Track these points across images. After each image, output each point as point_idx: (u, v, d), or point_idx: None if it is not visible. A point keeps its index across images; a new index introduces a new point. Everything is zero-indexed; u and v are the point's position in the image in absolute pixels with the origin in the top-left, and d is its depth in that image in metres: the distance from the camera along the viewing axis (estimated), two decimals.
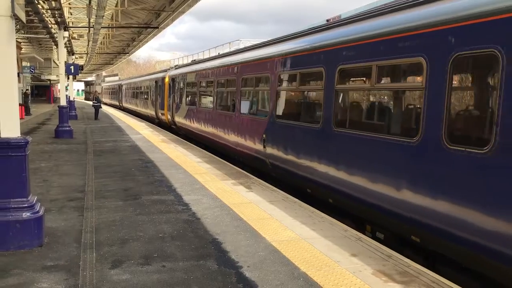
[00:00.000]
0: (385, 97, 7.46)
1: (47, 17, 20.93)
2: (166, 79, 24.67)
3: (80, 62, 45.54)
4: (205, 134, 16.61)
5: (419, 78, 6.15)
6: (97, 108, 31.12)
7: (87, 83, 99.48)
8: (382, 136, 6.70)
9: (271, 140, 10.54)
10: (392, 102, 7.25)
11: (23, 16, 6.74)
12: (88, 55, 41.30)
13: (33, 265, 5.18)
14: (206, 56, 22.74)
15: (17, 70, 6.17)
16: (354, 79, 8.44)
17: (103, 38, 36.01)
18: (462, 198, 5.17)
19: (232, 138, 13.34)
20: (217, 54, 19.83)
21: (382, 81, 7.20)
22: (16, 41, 6.65)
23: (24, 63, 35.63)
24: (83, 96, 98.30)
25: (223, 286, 4.67)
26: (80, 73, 39.14)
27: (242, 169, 11.87)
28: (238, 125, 12.92)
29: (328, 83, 8.18)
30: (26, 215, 5.67)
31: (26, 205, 5.71)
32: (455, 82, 5.60)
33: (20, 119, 6.58)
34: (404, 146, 6.12)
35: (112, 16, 27.21)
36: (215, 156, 13.91)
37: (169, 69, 26.40)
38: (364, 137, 7.04)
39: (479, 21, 5.05)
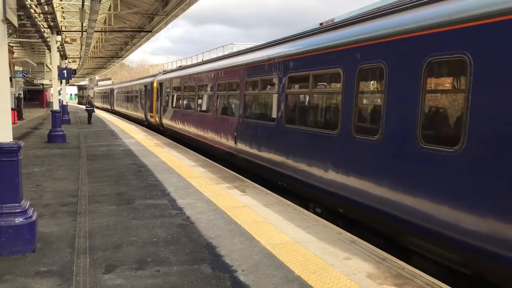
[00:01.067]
0: (318, 100, 9.20)
1: (39, 21, 20.88)
2: (154, 84, 26.36)
3: (73, 66, 45.37)
4: (188, 133, 18.44)
5: (338, 85, 7.97)
6: (90, 113, 31.00)
7: (80, 87, 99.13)
8: (316, 130, 8.67)
9: (241, 137, 12.35)
10: (323, 104, 9.05)
11: (15, 21, 6.72)
12: (81, 59, 41.15)
13: (26, 270, 5.14)
14: (200, 59, 22.97)
15: (9, 75, 6.14)
16: (298, 84, 9.96)
17: (96, 42, 35.93)
18: (364, 174, 7.05)
19: (210, 136, 15.18)
20: (202, 60, 21.12)
21: (317, 87, 9.15)
22: (8, 45, 6.63)
23: (16, 68, 35.47)
24: (76, 100, 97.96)
25: None
26: (73, 77, 38.97)
27: (234, 169, 12.58)
28: (215, 125, 14.72)
29: (280, 88, 10.05)
30: (18, 220, 5.63)
31: (18, 210, 5.67)
32: (360, 87, 7.45)
33: (13, 123, 6.55)
34: (330, 137, 8.06)
35: (105, 20, 27.13)
36: (209, 160, 13.90)
37: (157, 74, 27.91)
38: (305, 131, 9.03)
39: (372, 43, 7.11)
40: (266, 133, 10.79)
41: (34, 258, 5.52)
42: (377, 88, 7.16)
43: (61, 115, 21.58)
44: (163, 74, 26.13)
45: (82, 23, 22.58)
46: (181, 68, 23.37)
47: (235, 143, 12.58)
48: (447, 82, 6.23)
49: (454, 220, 5.30)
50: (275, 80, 10.38)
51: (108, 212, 7.68)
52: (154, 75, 29.07)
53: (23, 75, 36.63)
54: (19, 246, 5.61)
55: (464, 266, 5.41)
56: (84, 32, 24.07)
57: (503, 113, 4.82)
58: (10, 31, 23.98)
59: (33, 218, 5.81)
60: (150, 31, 27.81)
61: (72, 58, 41.98)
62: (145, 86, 29.56)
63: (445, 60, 5.72)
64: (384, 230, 6.86)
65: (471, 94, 5.17)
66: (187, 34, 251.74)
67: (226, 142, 13.47)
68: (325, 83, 8.98)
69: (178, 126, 20.12)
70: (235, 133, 12.67)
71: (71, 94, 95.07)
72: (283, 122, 9.88)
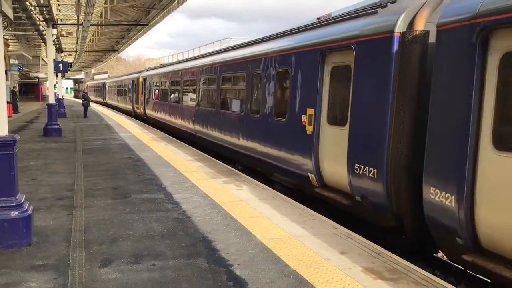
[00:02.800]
0: (238, 93, 13.11)
1: (35, 14, 20.72)
2: (140, 79, 29.94)
3: (69, 59, 45.17)
4: (164, 120, 22.53)
5: (243, 83, 12.28)
6: (86, 106, 30.89)
7: (76, 81, 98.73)
8: (237, 112, 12.62)
9: (197, 120, 16.55)
10: (239, 96, 12.79)
11: (10, 13, 6.68)
12: (77, 53, 40.95)
13: (22, 264, 5.14)
14: (197, 53, 23.83)
15: (4, 68, 6.11)
16: (227, 82, 13.84)
17: (92, 35, 35.75)
18: (273, 144, 10.15)
19: (178, 121, 19.46)
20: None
21: (237, 84, 13.04)
22: (4, 38, 6.60)
23: (12, 61, 35.22)
24: (72, 94, 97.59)
25: (213, 284, 4.67)
26: (69, 70, 38.81)
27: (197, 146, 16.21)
28: (181, 112, 19.00)
29: (218, 84, 14.29)
30: (14, 214, 5.63)
31: (14, 204, 5.67)
32: (254, 86, 11.60)
33: (8, 117, 6.52)
34: (240, 116, 12.23)
35: (101, 14, 26.98)
36: (206, 155, 13.90)
37: (142, 71, 31.81)
38: (231, 114, 13.13)
39: (257, 58, 11.37)
40: (210, 116, 14.97)
41: (29, 252, 5.52)
42: (258, 86, 11.39)
43: (57, 109, 21.50)
44: (147, 71, 29.44)
45: (78, 16, 22.47)
46: (161, 66, 26.89)
47: (194, 125, 16.86)
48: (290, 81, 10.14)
49: (295, 164, 9.17)
50: (216, 79, 14.61)
51: (104, 206, 7.67)
52: (139, 72, 32.76)
53: (18, 68, 36.38)
54: (15, 240, 5.60)
55: (295, 186, 9.60)
56: (80, 26, 23.95)
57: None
58: (6, 23, 23.80)
59: (29, 211, 5.80)
60: (147, 25, 27.70)
61: (68, 51, 41.75)
62: (132, 81, 32.97)
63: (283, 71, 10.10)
64: (264, 171, 10.98)
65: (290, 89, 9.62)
66: (183, 28, 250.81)
67: (188, 125, 17.77)
68: (239, 82, 12.92)
69: (158, 115, 24.04)
70: (193, 118, 16.95)
71: (67, 88, 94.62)
72: (219, 108, 14.06)
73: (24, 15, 19.76)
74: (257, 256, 5.48)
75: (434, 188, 5.61)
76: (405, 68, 6.47)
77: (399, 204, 6.53)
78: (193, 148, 15.33)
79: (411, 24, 6.57)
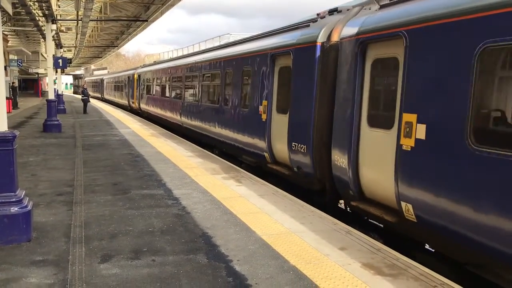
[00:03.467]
0: (215, 89, 15.06)
1: (34, 10, 20.67)
2: (135, 76, 31.73)
3: (69, 55, 45.08)
4: (156, 114, 24.45)
5: (218, 80, 14.33)
6: (85, 102, 30.86)
7: (76, 77, 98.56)
8: (214, 105, 14.65)
9: (183, 113, 18.53)
10: (216, 91, 14.82)
11: (9, 8, 6.65)
12: (77, 48, 40.91)
13: (22, 260, 5.15)
14: (196, 49, 24.07)
15: (4, 63, 6.09)
16: (206, 79, 15.93)
17: (92, 31, 35.68)
18: (240, 131, 11.92)
19: (168, 114, 21.36)
20: (174, 56, 27.41)
21: (214, 81, 14.99)
22: (3, 33, 6.58)
23: (11, 56, 35.14)
24: (72, 90, 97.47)
25: (213, 280, 4.68)
26: (69, 66, 38.77)
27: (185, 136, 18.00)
28: (170, 106, 20.97)
29: (199, 81, 16.53)
30: (14, 209, 5.63)
31: (14, 200, 5.66)
32: (226, 82, 13.59)
33: (8, 112, 6.52)
34: (216, 108, 14.23)
35: (100, 9, 26.95)
36: (206, 151, 13.90)
37: (137, 68, 33.86)
38: (207, 106, 15.30)
39: (229, 59, 13.39)
40: (193, 109, 17.00)
41: (29, 248, 5.52)
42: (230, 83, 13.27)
43: (56, 105, 21.47)
44: (142, 68, 31.36)
45: (77, 12, 22.42)
46: (155, 63, 28.74)
47: (181, 117, 18.84)
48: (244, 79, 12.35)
49: (255, 146, 10.97)
50: (197, 76, 16.76)
51: (103, 202, 7.68)
52: (135, 68, 34.87)
53: (18, 63, 36.34)
54: (15, 236, 5.61)
55: (255, 163, 11.38)
56: (79, 21, 23.92)
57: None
58: (5, 19, 23.75)
59: (29, 207, 5.80)
60: (146, 20, 27.64)
61: (68, 47, 41.70)
62: (128, 77, 35.06)
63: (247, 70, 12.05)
64: (235, 154, 12.75)
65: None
66: (183, 24, 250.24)
67: (176, 117, 19.75)
68: (216, 79, 14.74)
69: (151, 109, 25.95)
70: (180, 111, 18.92)
71: (66, 84, 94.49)
72: (200, 101, 16.19)
73: (23, 10, 19.71)
74: (257, 251, 5.49)
75: (336, 155, 7.75)
76: (324, 69, 8.38)
77: (321, 171, 8.49)
78: (193, 144, 15.33)
79: (329, 36, 8.39)
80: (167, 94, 21.90)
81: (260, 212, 7.20)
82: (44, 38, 24.50)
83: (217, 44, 20.13)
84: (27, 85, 68.15)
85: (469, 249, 5.02)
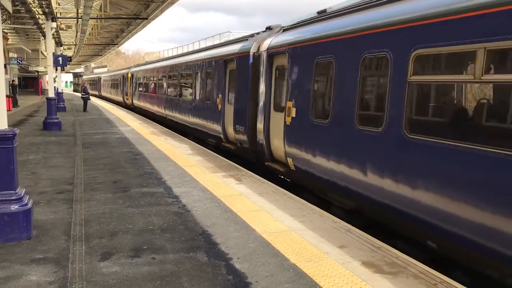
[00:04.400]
0: (189, 86, 18.15)
1: (34, 8, 20.63)
2: (129, 75, 35.10)
3: (69, 53, 44.99)
4: (146, 108, 27.62)
5: (191, 79, 17.56)
6: (85, 100, 30.84)
7: (76, 75, 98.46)
8: (188, 100, 17.62)
9: (166, 107, 21.81)
10: (189, 88, 17.80)
11: (9, 6, 6.65)
12: (77, 46, 40.82)
13: (22, 257, 5.15)
14: (196, 47, 24.91)
15: (3, 61, 6.09)
16: (183, 78, 19.21)
17: (92, 29, 35.58)
18: (205, 119, 15.21)
19: (155, 108, 24.83)
20: (164, 57, 30.95)
21: (189, 79, 18.12)
22: (3, 31, 6.57)
23: (11, 54, 35.11)
24: (72, 88, 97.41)
25: (213, 278, 4.68)
26: (69, 64, 38.75)
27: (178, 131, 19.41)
28: (157, 101, 24.31)
29: (178, 80, 19.57)
30: (14, 207, 5.63)
31: (14, 198, 5.67)
32: (197, 80, 16.97)
33: (8, 111, 6.51)
34: (190, 101, 17.29)
35: (100, 7, 26.86)
36: (206, 149, 13.91)
37: (131, 67, 37.43)
38: (184, 100, 18.41)
39: (198, 62, 17.01)
40: (174, 103, 20.27)
41: (29, 246, 5.53)
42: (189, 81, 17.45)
43: (56, 103, 21.47)
44: (135, 67, 34.80)
45: (77, 10, 22.39)
46: (146, 63, 31.87)
47: (165, 111, 22.12)
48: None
49: (214, 129, 14.31)
50: (177, 75, 20.02)
51: (104, 200, 7.68)
52: (128, 68, 38.43)
53: (18, 61, 36.29)
54: (15, 233, 5.61)
55: (215, 143, 14.51)
56: (79, 19, 23.87)
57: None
58: (5, 17, 23.71)
59: (29, 205, 5.81)
60: (146, 18, 27.58)
61: (68, 45, 41.63)
62: (123, 76, 38.39)
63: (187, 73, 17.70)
64: (203, 138, 15.84)
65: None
66: (183, 22, 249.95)
67: (162, 111, 22.93)
68: (190, 78, 18.10)
69: (141, 104, 29.42)
70: (164, 105, 22.18)
71: (66, 82, 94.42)
72: (179, 97, 19.38)
73: (23, 8, 19.69)
74: (257, 249, 5.49)
75: (259, 132, 10.96)
76: (254, 72, 11.46)
77: (253, 145, 11.46)
78: (193, 142, 15.34)
79: (258, 48, 11.42)
80: (155, 91, 25.11)
81: (260, 210, 7.20)
82: (44, 36, 24.45)
83: (216, 42, 20.92)
84: (27, 83, 68.04)
85: (327, 186, 7.99)
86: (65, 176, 9.52)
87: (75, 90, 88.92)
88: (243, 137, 11.87)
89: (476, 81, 5.02)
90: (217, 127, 14.03)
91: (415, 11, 6.03)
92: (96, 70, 79.63)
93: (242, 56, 12.21)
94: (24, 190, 6.02)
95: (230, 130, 12.94)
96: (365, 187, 6.78)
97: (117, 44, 46.89)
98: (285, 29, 10.48)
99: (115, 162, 11.17)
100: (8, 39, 32.80)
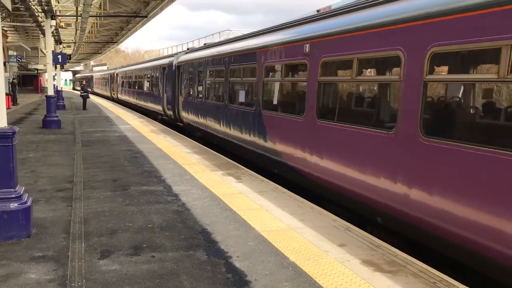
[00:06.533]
0: (144, 84, 28.42)
1: (33, 5, 20.61)
2: (115, 74, 43.38)
3: (68, 51, 44.99)
4: (127, 100, 35.43)
5: (146, 79, 28.33)
6: (85, 98, 30.83)
7: (75, 73, 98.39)
8: (144, 91, 28.39)
9: (136, 98, 30.89)
10: (144, 84, 28.57)
11: (8, 4, 6.64)
12: (76, 44, 40.80)
13: (21, 256, 5.15)
14: (196, 45, 27.98)
15: (3, 59, 6.07)
16: (140, 79, 30.22)
17: (91, 27, 35.57)
18: (152, 102, 25.68)
19: (132, 100, 32.68)
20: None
21: (142, 79, 29.56)
22: (2, 29, 6.55)
23: (10, 52, 35.08)
24: (71, 86, 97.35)
25: (213, 276, 4.69)
26: (68, 62, 38.82)
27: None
28: (131, 94, 33.52)
29: (143, 80, 29.07)
30: (13, 205, 5.63)
31: (13, 196, 5.66)
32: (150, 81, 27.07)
33: (7, 108, 6.50)
34: (147, 93, 27.41)
35: (100, 5, 26.82)
36: (205, 147, 13.90)
37: (117, 68, 46.27)
38: (144, 92, 28.59)
39: (143, 69, 29.92)
40: (140, 95, 28.86)
41: (29, 244, 5.53)
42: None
43: (56, 101, 21.45)
44: (120, 68, 42.66)
45: (77, 8, 22.35)
46: (128, 65, 40.08)
47: (136, 100, 30.80)
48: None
49: (157, 109, 24.21)
50: (139, 76, 30.00)
51: (103, 198, 7.68)
52: (115, 69, 47.49)
53: (17, 59, 36.25)
54: (14, 232, 5.61)
55: (158, 116, 24.26)
56: (79, 17, 23.83)
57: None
58: (4, 15, 23.69)
59: (28, 203, 5.80)
60: (146, 16, 27.59)
61: (67, 43, 41.56)
62: (111, 75, 47.10)
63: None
64: (154, 116, 25.01)
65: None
66: (184, 20, 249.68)
67: (134, 100, 32.18)
68: (144, 78, 28.33)
69: (124, 97, 37.38)
70: (136, 96, 30.77)
71: (65, 80, 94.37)
72: (143, 91, 28.35)
73: (22, 6, 19.67)
74: (256, 248, 5.49)
75: (177, 109, 19.63)
76: (176, 76, 19.64)
77: (174, 115, 20.06)
78: (192, 141, 15.34)
79: (177, 61, 19.64)
80: (129, 87, 34.79)
81: (260, 208, 7.20)
82: (44, 34, 24.43)
83: (217, 40, 23.28)
84: (26, 81, 67.92)
85: (199, 131, 16.12)
86: (64, 174, 9.52)
87: (74, 88, 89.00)
88: (171, 112, 20.77)
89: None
90: (160, 107, 23.17)
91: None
92: (95, 68, 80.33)
93: (170, 65, 20.90)
94: (23, 188, 6.02)
95: (165, 108, 21.93)
96: (220, 132, 13.60)
97: (116, 42, 46.88)
98: (187, 53, 19.98)
99: (114, 160, 11.16)
100: (8, 37, 32.77)
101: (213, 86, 14.76)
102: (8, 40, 32.96)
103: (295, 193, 8.36)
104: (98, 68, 76.64)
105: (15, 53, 36.80)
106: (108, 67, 74.53)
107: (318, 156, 7.99)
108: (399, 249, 5.68)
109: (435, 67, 5.76)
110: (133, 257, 5.15)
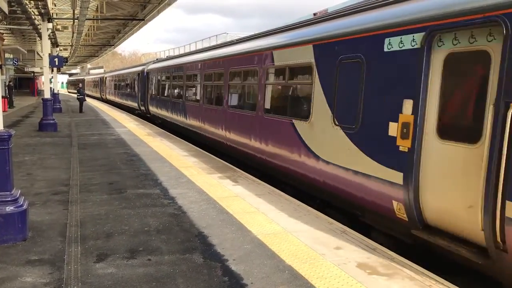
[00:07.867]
0: (124, 86, 34.91)
1: (30, 8, 20.58)
2: (104, 77, 49.33)
3: (65, 54, 44.90)
4: (113, 100, 40.72)
5: (126, 82, 34.40)
6: (81, 101, 30.78)
7: (71, 76, 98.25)
8: (124, 91, 34.98)
9: (121, 97, 36.54)
10: (124, 87, 34.89)
11: (5, 7, 6.64)
12: (73, 47, 40.75)
13: (17, 259, 5.14)
14: (193, 48, 28.82)
15: None
16: (120, 81, 37.41)
17: (88, 30, 35.56)
18: (131, 101, 31.39)
19: (117, 99, 38.44)
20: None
21: (122, 83, 36.27)
22: None
23: (7, 55, 35.02)
24: (67, 89, 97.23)
25: (209, 279, 4.69)
26: (65, 65, 38.85)
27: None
28: (118, 95, 38.00)
29: (124, 82, 35.55)
30: (9, 208, 5.62)
31: (9, 199, 5.65)
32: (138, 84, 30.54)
33: (3, 111, 6.49)
34: (127, 93, 33.45)
35: (97, 8, 26.84)
36: (201, 150, 13.89)
37: (106, 72, 54.94)
38: (124, 93, 35.01)
39: (123, 74, 37.43)
40: (122, 95, 35.56)
41: (25, 247, 5.51)
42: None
43: (52, 104, 21.41)
44: (109, 73, 49.86)
45: (73, 11, 22.32)
46: (115, 70, 47.75)
47: (120, 99, 36.21)
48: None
49: (135, 106, 30.04)
50: (123, 80, 35.38)
51: (99, 201, 7.67)
52: (105, 73, 54.78)
53: (13, 62, 36.19)
54: (10, 235, 5.60)
55: (135, 111, 30.26)
56: (75, 20, 23.82)
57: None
58: (0, 17, 23.65)
59: (24, 206, 5.79)
60: (143, 20, 27.60)
61: (64, 46, 41.48)
62: (100, 79, 52.75)
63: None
64: (131, 112, 31.06)
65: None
66: (180, 24, 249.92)
67: (118, 100, 37.94)
68: (125, 81, 34.69)
69: (111, 98, 43.03)
70: (120, 96, 36.83)
71: (62, 83, 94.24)
72: (122, 91, 35.65)
73: (19, 9, 19.63)
74: (253, 251, 5.50)
75: (148, 105, 25.30)
76: (147, 80, 25.32)
77: (146, 110, 25.85)
78: (189, 143, 15.33)
79: (147, 69, 25.59)
80: (114, 88, 40.28)
81: (256, 211, 7.21)
82: (40, 36, 24.36)
83: (213, 43, 24.21)
84: (23, 84, 67.75)
85: (161, 119, 22.28)
86: (60, 177, 9.50)
87: (69, 91, 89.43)
88: (143, 107, 26.25)
89: None
90: (136, 104, 28.66)
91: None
92: (92, 71, 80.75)
93: (142, 72, 26.51)
94: (19, 191, 6.01)
95: (139, 105, 27.04)
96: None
97: (113, 45, 46.87)
98: (154, 62, 25.33)
99: (111, 163, 11.15)
100: (4, 39, 32.71)
101: (164, 87, 21.59)
102: (4, 43, 32.90)
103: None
104: (95, 71, 76.91)
105: (11, 56, 36.75)
106: (104, 70, 74.89)
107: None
108: (394, 252, 5.70)
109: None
110: (130, 260, 5.15)
